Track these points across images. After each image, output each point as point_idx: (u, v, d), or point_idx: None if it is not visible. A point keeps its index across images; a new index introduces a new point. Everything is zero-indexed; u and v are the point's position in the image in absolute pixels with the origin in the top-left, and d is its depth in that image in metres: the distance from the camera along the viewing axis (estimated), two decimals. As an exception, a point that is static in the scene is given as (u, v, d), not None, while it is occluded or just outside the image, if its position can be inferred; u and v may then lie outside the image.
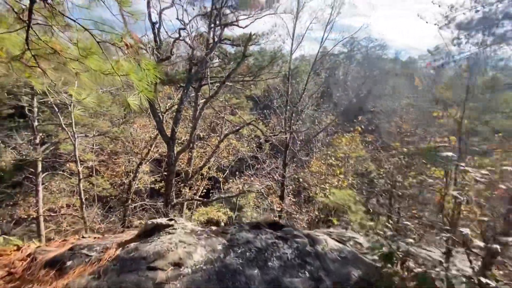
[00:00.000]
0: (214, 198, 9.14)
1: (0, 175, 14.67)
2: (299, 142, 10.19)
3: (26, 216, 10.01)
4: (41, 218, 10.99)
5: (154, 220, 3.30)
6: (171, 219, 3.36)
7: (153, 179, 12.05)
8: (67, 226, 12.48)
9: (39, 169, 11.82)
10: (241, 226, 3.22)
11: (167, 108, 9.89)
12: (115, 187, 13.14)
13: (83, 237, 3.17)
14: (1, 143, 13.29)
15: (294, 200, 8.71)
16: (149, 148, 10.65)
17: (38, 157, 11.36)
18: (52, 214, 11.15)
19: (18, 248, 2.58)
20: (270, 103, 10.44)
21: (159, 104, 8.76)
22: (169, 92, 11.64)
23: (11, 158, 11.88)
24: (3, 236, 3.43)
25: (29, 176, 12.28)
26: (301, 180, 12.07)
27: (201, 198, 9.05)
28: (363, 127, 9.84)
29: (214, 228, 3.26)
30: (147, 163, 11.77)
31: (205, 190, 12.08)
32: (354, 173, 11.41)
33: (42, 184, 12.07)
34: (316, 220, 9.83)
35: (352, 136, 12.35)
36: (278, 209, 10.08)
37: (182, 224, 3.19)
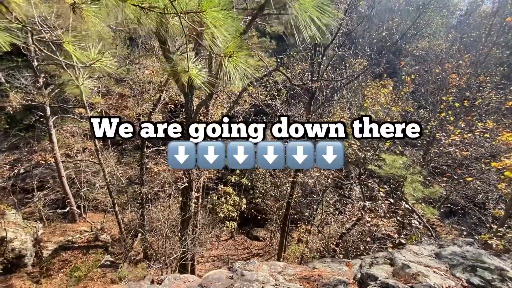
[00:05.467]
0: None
1: (12, 117, 14.43)
2: (327, 92, 9.08)
3: (44, 161, 9.95)
4: (60, 164, 11.03)
5: None
6: None
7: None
8: (85, 168, 12.78)
9: (48, 112, 11.29)
10: None
11: (177, 48, 8.57)
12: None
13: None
14: (5, 83, 12.68)
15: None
16: (160, 94, 9.79)
17: (45, 100, 10.67)
18: (70, 160, 11.13)
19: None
20: (296, 44, 8.89)
21: (169, 44, 7.44)
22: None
23: (18, 99, 11.21)
24: None
25: (39, 119, 11.91)
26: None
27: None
28: (406, 75, 8.52)
29: None
30: (160, 107, 11.02)
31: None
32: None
33: (54, 127, 11.74)
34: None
35: (382, 84, 11.08)
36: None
37: None
